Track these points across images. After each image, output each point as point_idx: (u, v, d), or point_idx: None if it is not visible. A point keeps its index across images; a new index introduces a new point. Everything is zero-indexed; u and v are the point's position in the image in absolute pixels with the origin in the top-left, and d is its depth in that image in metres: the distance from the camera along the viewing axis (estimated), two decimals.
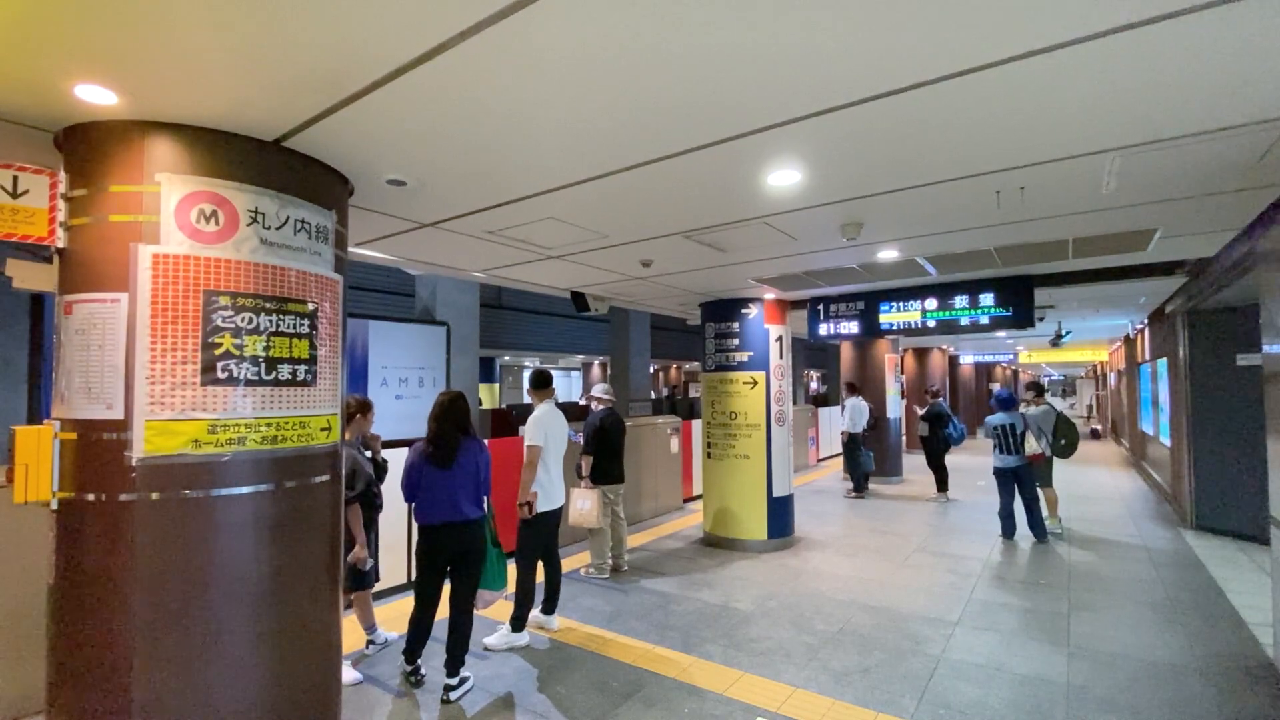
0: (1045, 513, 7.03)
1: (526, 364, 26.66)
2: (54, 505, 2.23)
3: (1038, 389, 7.55)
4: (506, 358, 22.80)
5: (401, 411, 7.49)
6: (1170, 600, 4.87)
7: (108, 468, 2.18)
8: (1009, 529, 6.81)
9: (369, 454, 3.83)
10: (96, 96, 2.10)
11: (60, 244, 2.29)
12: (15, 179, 2.25)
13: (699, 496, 8.82)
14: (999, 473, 6.80)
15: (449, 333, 8.58)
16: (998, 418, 6.81)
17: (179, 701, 2.19)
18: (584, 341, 18.90)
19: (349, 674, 3.51)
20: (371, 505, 3.80)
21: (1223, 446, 6.91)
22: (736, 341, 6.66)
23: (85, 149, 2.30)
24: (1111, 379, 18.44)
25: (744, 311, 6.64)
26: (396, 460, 4.24)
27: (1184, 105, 2.27)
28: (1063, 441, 6.95)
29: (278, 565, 2.41)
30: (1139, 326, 10.71)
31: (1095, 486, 10.29)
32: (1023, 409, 7.13)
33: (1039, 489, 6.86)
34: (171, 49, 1.84)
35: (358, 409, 3.75)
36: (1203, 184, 3.17)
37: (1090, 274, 5.48)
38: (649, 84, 2.08)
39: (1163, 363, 8.75)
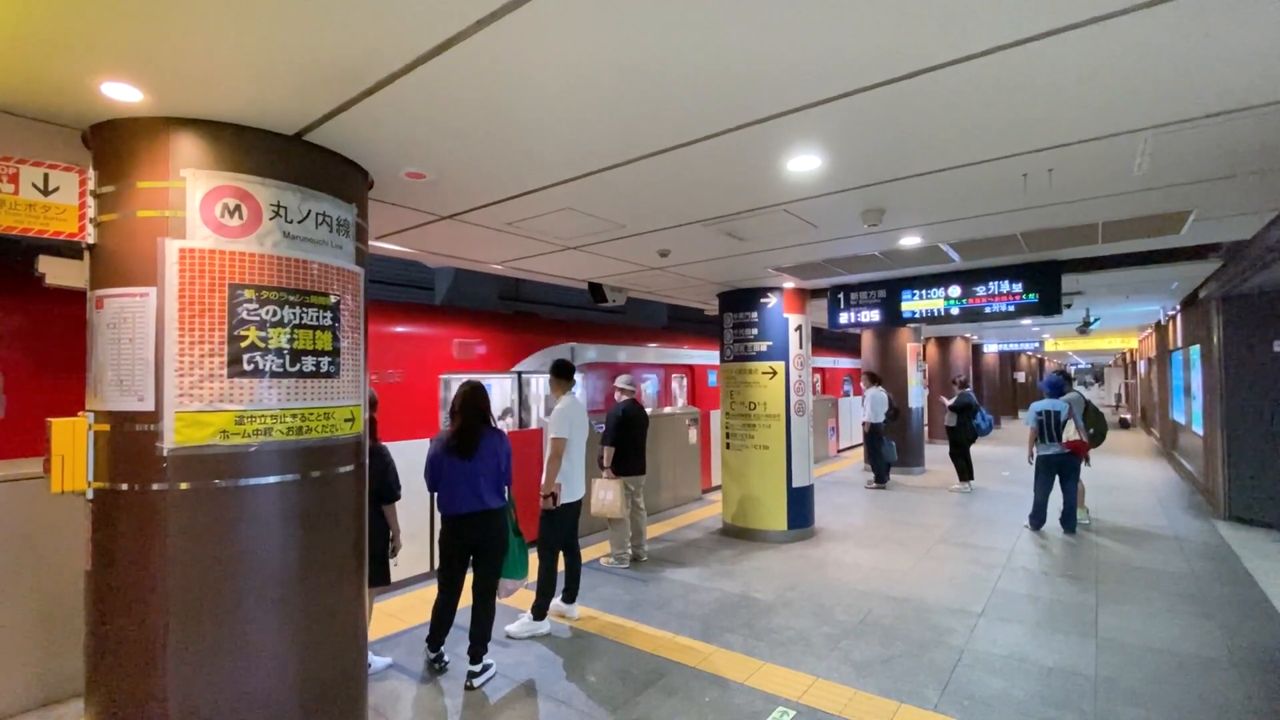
0: None
1: None
2: (89, 495, 2.29)
3: (1065, 378, 7.40)
4: None
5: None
6: (1202, 592, 4.76)
7: (140, 458, 2.23)
8: (1038, 521, 6.70)
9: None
10: (122, 94, 2.14)
11: (90, 240, 2.34)
12: (46, 176, 2.30)
13: (718, 487, 8.82)
14: (1040, 461, 6.68)
15: None
16: (1041, 404, 6.70)
17: (211, 687, 2.25)
18: None
19: (375, 660, 3.58)
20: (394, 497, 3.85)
21: (1258, 435, 6.72)
22: (755, 331, 6.61)
23: (113, 146, 2.35)
24: (1141, 367, 18.00)
25: (763, 301, 6.58)
26: (405, 453, 4.32)
27: (1219, 82, 2.19)
28: (1091, 431, 6.81)
29: (304, 553, 2.46)
30: (1171, 313, 10.42)
31: (1124, 477, 10.08)
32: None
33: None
34: (194, 46, 1.86)
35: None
36: (1239, 164, 3.06)
37: (1120, 259, 5.34)
38: (668, 69, 2.06)
39: (1195, 349, 8.51)
